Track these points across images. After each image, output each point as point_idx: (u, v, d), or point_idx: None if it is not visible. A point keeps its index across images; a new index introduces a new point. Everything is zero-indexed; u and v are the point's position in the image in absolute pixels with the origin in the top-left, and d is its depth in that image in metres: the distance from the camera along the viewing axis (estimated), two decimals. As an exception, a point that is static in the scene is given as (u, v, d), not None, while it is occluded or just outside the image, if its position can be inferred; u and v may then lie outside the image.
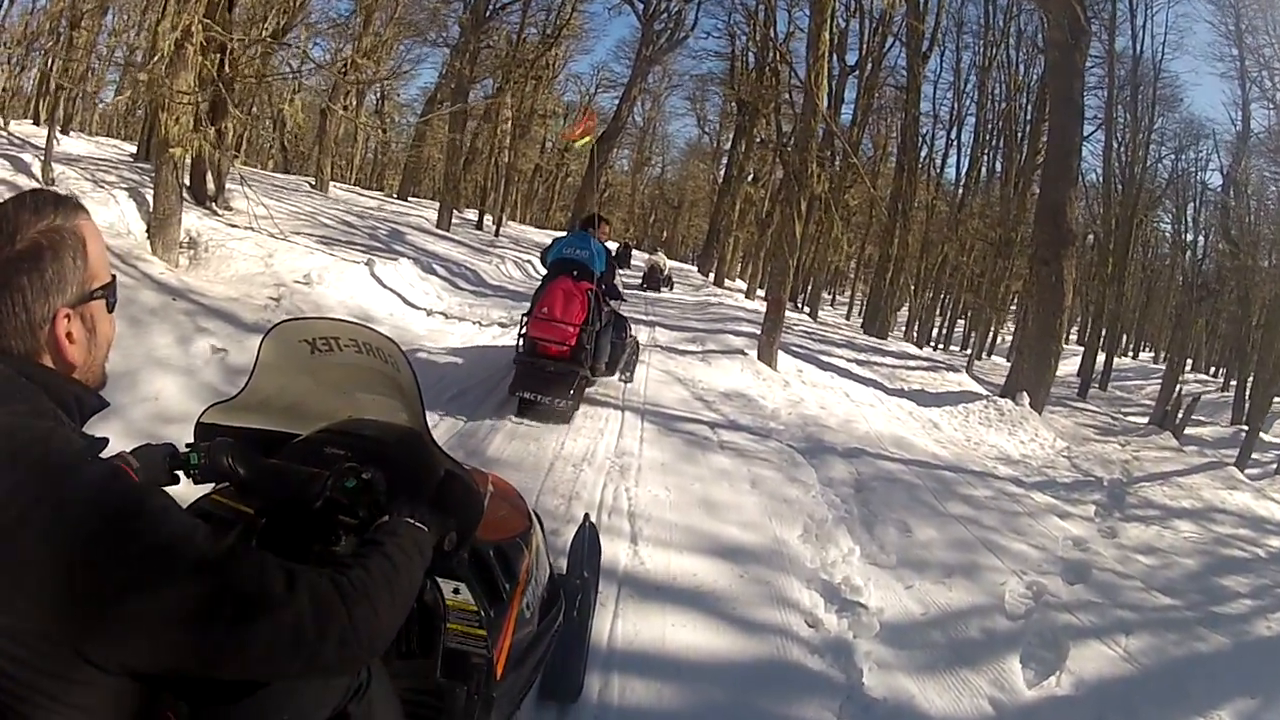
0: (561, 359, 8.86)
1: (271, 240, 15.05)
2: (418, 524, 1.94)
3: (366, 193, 45.57)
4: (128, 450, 2.27)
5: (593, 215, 10.43)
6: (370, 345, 2.38)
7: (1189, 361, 44.36)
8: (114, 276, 1.67)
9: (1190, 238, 46.13)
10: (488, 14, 33.48)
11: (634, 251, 41.29)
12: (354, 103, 57.04)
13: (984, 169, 40.02)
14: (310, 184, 36.78)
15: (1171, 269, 50.09)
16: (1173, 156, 42.65)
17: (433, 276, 18.62)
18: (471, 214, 41.10)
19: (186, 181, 15.13)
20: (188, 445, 2.34)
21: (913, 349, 28.57)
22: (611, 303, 9.89)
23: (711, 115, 60.90)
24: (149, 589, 1.36)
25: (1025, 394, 16.66)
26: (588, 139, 16.54)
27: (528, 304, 9.66)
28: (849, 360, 19.51)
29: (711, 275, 44.45)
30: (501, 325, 15.00)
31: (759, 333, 15.82)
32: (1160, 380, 39.69)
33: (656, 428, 9.66)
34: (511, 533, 2.93)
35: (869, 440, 11.17)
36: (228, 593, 1.43)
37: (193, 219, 14.02)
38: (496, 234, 36.54)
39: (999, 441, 14.00)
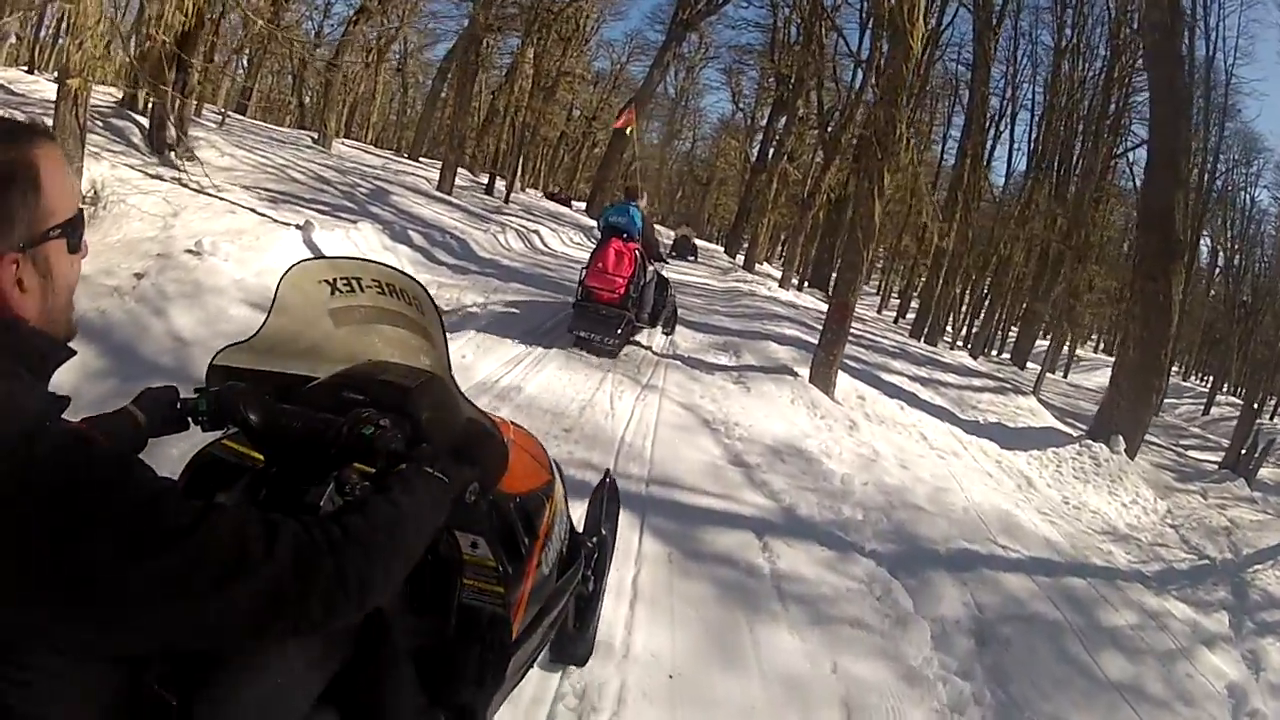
0: (612, 305, 10.21)
1: (191, 196, 11.84)
2: (437, 474, 1.80)
3: (377, 150, 42.41)
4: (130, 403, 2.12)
5: (633, 186, 11.88)
6: (394, 286, 2.26)
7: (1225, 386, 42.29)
8: (80, 211, 1.44)
9: (1227, 256, 44.12)
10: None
11: (695, 242, 38.90)
12: (374, 59, 54.22)
13: (1054, 163, 35.19)
14: (313, 138, 33.39)
15: (1207, 286, 47.12)
16: (1224, 170, 39.76)
17: (402, 246, 14.86)
18: (486, 178, 37.19)
19: (145, 125, 14.37)
20: (196, 390, 2.15)
21: (970, 361, 24.54)
22: (654, 264, 11.16)
23: (748, 91, 57.46)
24: (115, 566, 1.22)
25: (1120, 437, 13.70)
26: (632, 128, 17.77)
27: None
28: (910, 378, 15.69)
29: (740, 258, 40.67)
30: (472, 317, 11.20)
31: (806, 338, 13.98)
32: (1193, 400, 36.52)
33: (663, 555, 5.48)
34: (533, 486, 2.72)
35: (971, 526, 7.80)
36: (201, 562, 1.30)
37: (104, 169, 11.04)
38: (506, 200, 32.35)
39: (1100, 505, 11.43)
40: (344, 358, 2.44)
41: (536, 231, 25.04)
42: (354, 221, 14.01)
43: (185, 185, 12.19)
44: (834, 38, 36.59)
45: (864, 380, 12.74)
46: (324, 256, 3.06)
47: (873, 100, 29.21)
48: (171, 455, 2.62)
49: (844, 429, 9.63)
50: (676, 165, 74.48)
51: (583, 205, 45.10)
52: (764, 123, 49.73)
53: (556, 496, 2.89)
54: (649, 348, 11.76)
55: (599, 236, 11.31)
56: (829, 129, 36.04)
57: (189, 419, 2.13)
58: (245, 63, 48.48)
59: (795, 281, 28.96)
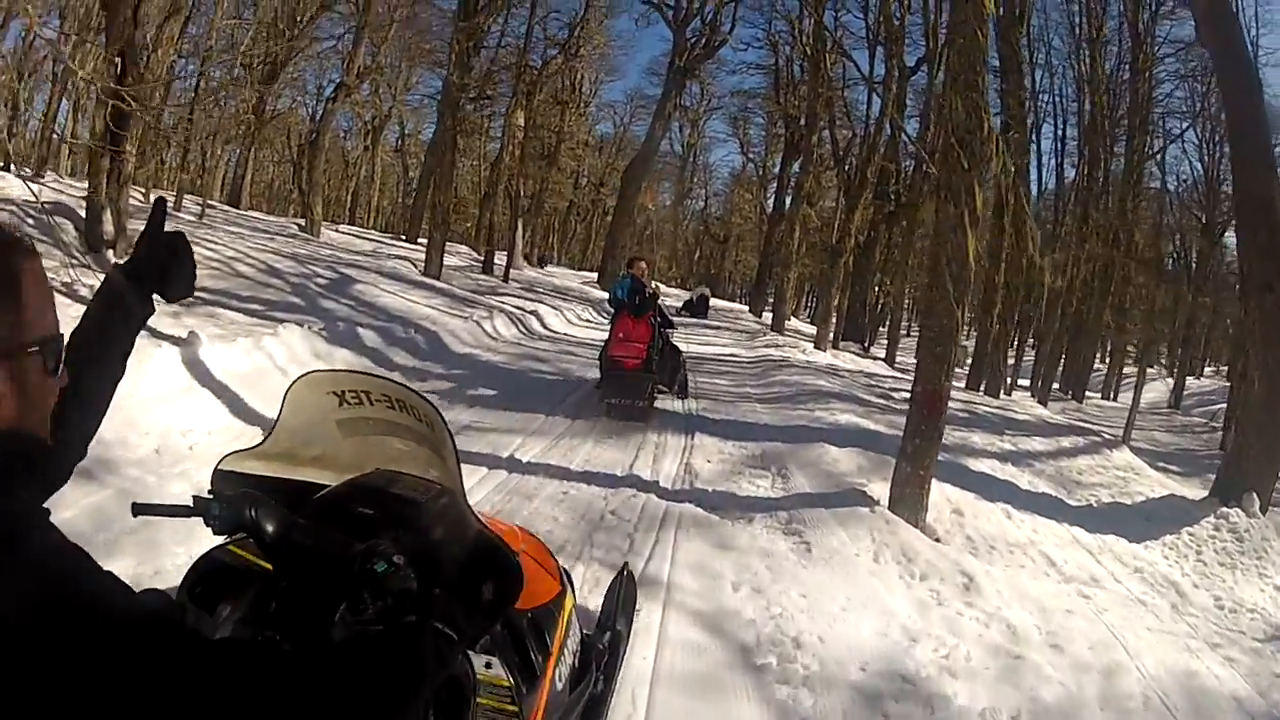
0: (636, 370, 10.66)
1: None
2: (448, 632, 1.86)
3: (376, 235, 40.72)
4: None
5: (633, 259, 12.55)
6: (403, 401, 2.26)
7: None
8: (60, 335, 1.35)
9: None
10: (479, 6, 25.76)
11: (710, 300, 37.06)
12: (370, 140, 51.84)
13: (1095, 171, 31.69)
14: (300, 226, 32.00)
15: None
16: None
17: (343, 350, 11.84)
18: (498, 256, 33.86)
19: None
20: (209, 492, 2.12)
21: (1043, 411, 20.77)
22: (666, 331, 11.73)
23: (756, 139, 55.52)
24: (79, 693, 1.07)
25: (1254, 494, 10.53)
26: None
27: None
28: (997, 457, 11.95)
29: (767, 315, 37.76)
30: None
31: (867, 424, 11.70)
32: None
33: None
34: (545, 598, 2.67)
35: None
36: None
37: None
38: (506, 278, 29.06)
39: (1256, 598, 8.55)
40: (353, 466, 2.38)
41: (534, 312, 21.82)
42: (274, 328, 11.21)
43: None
44: (841, 66, 34.66)
45: (949, 477, 9.26)
46: (331, 369, 2.79)
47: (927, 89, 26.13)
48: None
49: (957, 596, 6.17)
50: (691, 225, 71.23)
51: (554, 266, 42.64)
52: (777, 170, 47.66)
53: (568, 607, 2.81)
54: (654, 483, 8.22)
55: (611, 310, 11.90)
56: (847, 167, 33.68)
57: (203, 520, 2.00)
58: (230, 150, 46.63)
59: (830, 338, 25.28)
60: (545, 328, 20.87)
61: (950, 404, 16.88)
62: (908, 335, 61.08)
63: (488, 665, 2.22)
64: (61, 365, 1.35)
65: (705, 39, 38.72)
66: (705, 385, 14.66)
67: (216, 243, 18.77)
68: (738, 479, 8.49)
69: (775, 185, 47.09)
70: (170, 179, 41.15)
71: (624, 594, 3.98)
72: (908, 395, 15.54)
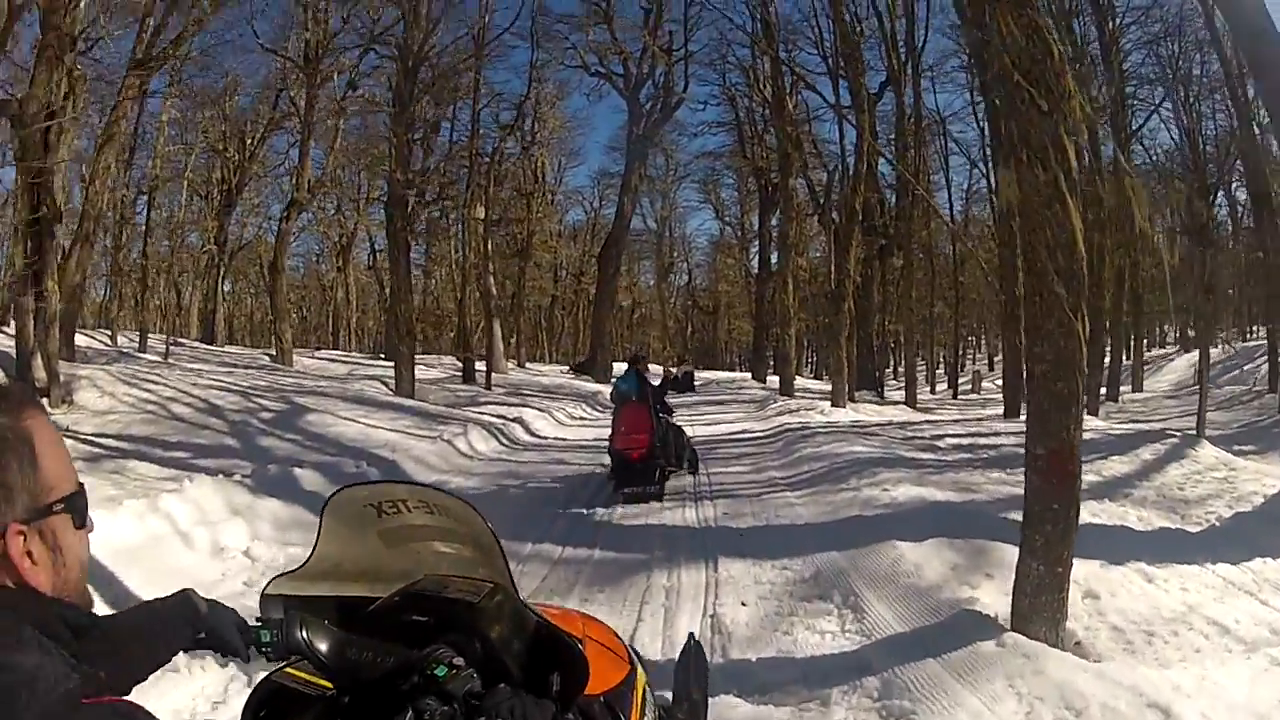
0: (643, 459, 10.78)
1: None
2: (528, 697, 1.90)
3: (356, 357, 38.44)
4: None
5: (636, 356, 13.50)
6: (441, 506, 2.21)
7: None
8: (81, 486, 1.40)
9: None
10: (413, 95, 23.72)
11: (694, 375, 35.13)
12: (340, 260, 50.04)
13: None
14: (270, 356, 30.51)
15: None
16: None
17: (269, 501, 9.32)
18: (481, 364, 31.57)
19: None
20: (258, 619, 2.01)
21: (1096, 420, 18.06)
22: (664, 416, 12.01)
23: (729, 201, 54.57)
24: None
25: None
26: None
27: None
28: (1092, 497, 9.12)
29: (772, 380, 35.53)
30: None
31: (935, 494, 9.59)
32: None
33: None
34: (615, 681, 2.52)
35: None
36: None
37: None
38: (488, 385, 26.55)
39: None
40: (400, 575, 2.27)
41: (518, 419, 19.27)
42: (190, 476, 9.64)
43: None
44: (805, 103, 34.55)
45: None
46: (365, 482, 2.91)
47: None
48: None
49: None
50: (678, 300, 69.02)
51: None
52: (756, 228, 46.44)
53: (640, 685, 2.66)
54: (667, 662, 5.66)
55: (614, 405, 12.49)
56: (828, 209, 33.67)
57: (255, 649, 1.94)
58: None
59: (846, 392, 22.75)
60: (532, 434, 18.39)
61: (985, 437, 14.40)
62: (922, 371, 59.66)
63: None
64: (89, 520, 1.39)
65: (661, 102, 37.02)
66: (721, 477, 12.27)
67: (158, 383, 17.37)
68: (790, 626, 5.88)
69: (757, 244, 45.65)
70: (151, 321, 40.30)
71: (695, 663, 3.58)
72: (956, 443, 12.96)
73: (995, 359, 61.88)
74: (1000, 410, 26.92)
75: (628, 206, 36.75)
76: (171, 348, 26.73)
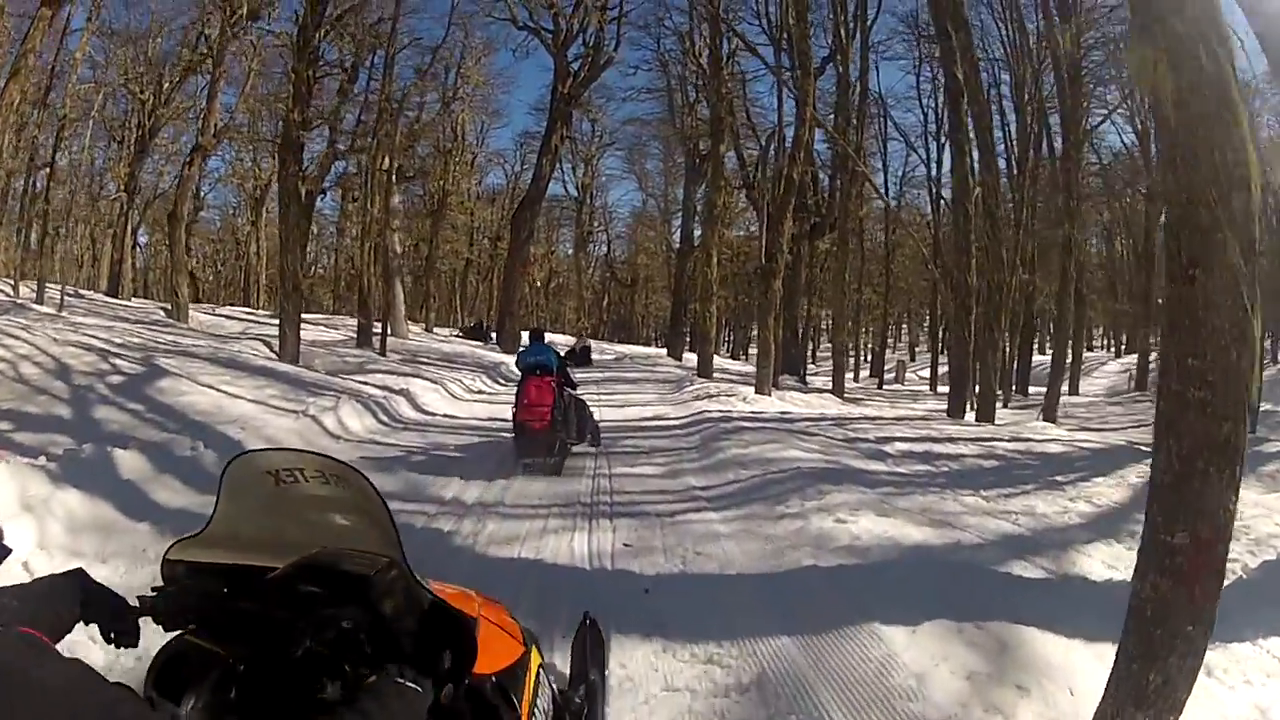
0: (543, 430, 10.71)
1: None
2: (409, 684, 1.82)
3: (262, 314, 35.98)
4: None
5: (539, 329, 14.45)
6: (336, 475, 2.20)
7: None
8: None
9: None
10: (318, 27, 20.96)
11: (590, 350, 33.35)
12: (254, 213, 47.52)
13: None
14: (166, 311, 28.68)
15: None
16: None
17: (69, 490, 7.19)
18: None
19: None
20: (154, 588, 2.13)
21: (1059, 431, 16.29)
22: (568, 390, 11.76)
23: (654, 172, 53.43)
24: None
25: None
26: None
27: None
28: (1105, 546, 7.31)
29: (688, 358, 33.96)
30: None
31: (907, 530, 7.36)
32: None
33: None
34: (508, 660, 2.50)
35: None
36: None
37: None
38: (382, 350, 23.91)
39: None
40: (297, 546, 2.23)
41: (404, 391, 16.75)
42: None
43: None
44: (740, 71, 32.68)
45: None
46: (263, 448, 2.95)
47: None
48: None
49: None
50: (596, 271, 66.63)
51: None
52: (680, 201, 44.74)
53: (533, 666, 2.66)
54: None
55: (519, 376, 11.99)
56: (758, 180, 32.08)
57: (151, 618, 2.04)
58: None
59: (772, 379, 20.54)
60: (418, 410, 15.93)
61: (951, 439, 12.37)
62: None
63: None
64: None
65: (590, 61, 34.46)
66: (625, 482, 9.97)
67: (20, 338, 15.66)
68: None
69: (680, 217, 44.34)
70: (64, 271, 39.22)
71: (590, 644, 3.59)
72: (907, 449, 11.39)
73: (917, 349, 60.94)
74: (935, 405, 25.23)
75: (546, 168, 34.12)
76: (69, 299, 25.47)
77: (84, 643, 3.11)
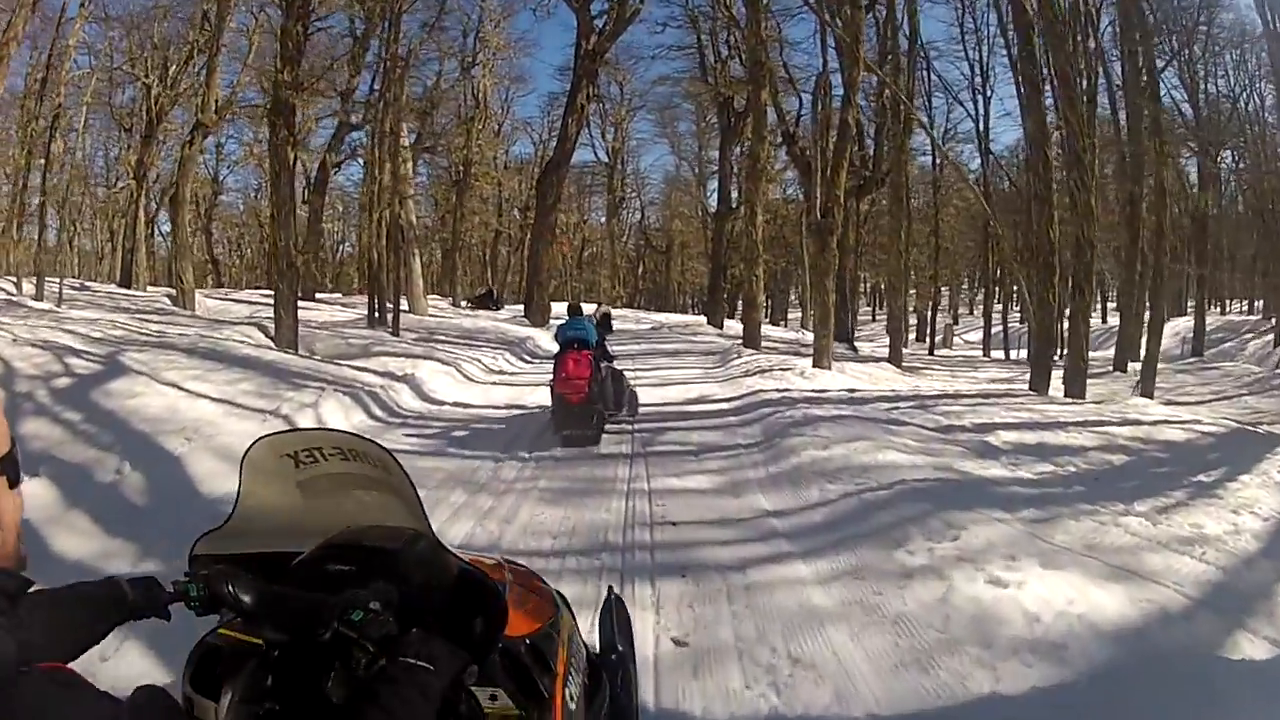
0: (581, 403, 10.57)
1: None
2: (422, 664, 1.74)
3: (270, 299, 32.53)
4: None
5: (577, 304, 13.35)
6: (355, 450, 2.15)
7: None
8: (13, 444, 1.40)
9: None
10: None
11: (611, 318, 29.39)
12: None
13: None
14: (170, 298, 27.23)
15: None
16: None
17: None
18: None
19: None
20: (185, 575, 2.01)
21: (1164, 409, 13.52)
22: (605, 363, 11.56)
23: (686, 134, 51.27)
24: None
25: None
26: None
27: None
28: None
29: (730, 326, 32.36)
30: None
31: (1100, 598, 4.79)
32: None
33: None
34: (540, 622, 2.45)
35: None
36: None
37: None
38: (396, 330, 21.42)
39: None
40: (323, 528, 2.23)
41: (407, 377, 14.35)
42: None
43: None
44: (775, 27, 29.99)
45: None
46: (280, 431, 2.44)
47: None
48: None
49: None
50: (630, 239, 64.57)
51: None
52: (716, 160, 42.77)
53: (566, 627, 2.58)
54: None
55: (559, 349, 11.80)
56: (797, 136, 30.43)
57: (183, 604, 1.96)
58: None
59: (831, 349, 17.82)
60: (423, 398, 13.53)
61: (1060, 424, 10.00)
62: (873, 321, 55.15)
63: (493, 698, 2.07)
64: (21, 476, 1.37)
65: (614, 14, 31.53)
66: (670, 502, 7.36)
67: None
68: None
69: (717, 178, 42.17)
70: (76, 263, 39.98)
71: (617, 618, 3.37)
72: (1017, 441, 9.71)
73: (960, 312, 57.90)
74: (998, 374, 22.61)
75: (572, 129, 31.28)
76: (74, 292, 24.67)
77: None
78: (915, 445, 8.86)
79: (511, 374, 17.78)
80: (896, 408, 12.01)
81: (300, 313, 21.27)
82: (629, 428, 11.35)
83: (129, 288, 31.15)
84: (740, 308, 41.76)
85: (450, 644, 1.82)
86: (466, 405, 13.40)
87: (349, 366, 14.82)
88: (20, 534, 1.42)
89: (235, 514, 2.16)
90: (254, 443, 2.14)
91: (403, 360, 16.09)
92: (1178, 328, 35.44)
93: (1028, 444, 9.46)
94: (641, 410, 12.04)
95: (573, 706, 2.36)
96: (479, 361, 18.11)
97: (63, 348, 12.79)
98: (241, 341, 16.43)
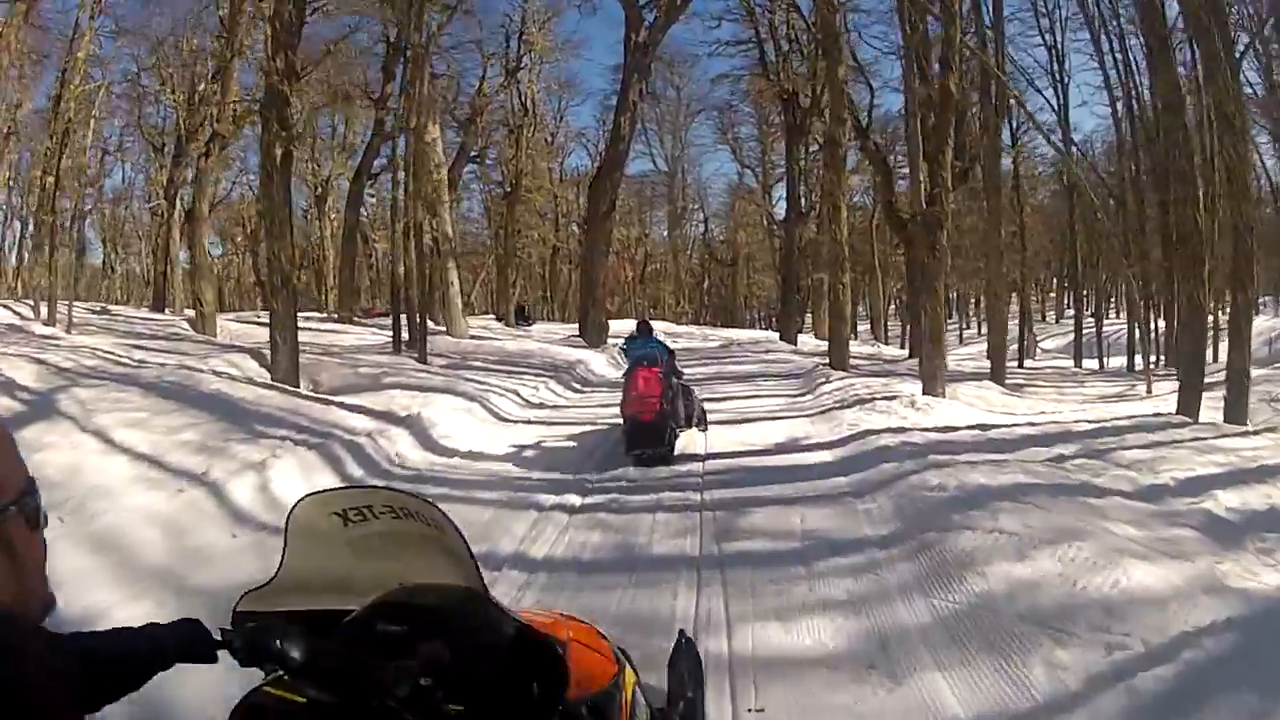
0: (653, 421, 10.05)
1: None
2: None
3: (313, 317, 30.98)
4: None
5: (646, 322, 12.67)
6: (407, 509, 2.03)
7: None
8: (31, 482, 1.30)
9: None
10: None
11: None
12: (317, 210, 45.36)
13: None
14: (190, 322, 24.71)
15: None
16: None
17: None
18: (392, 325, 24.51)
19: None
20: (229, 628, 1.93)
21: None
22: (675, 379, 11.11)
23: (748, 138, 47.49)
24: None
25: None
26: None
27: None
28: None
29: (805, 341, 30.24)
30: None
31: None
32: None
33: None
34: (602, 681, 2.35)
35: None
36: None
37: None
38: (422, 355, 18.16)
39: None
40: (373, 587, 2.14)
41: (411, 418, 11.18)
42: None
43: None
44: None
45: None
46: (327, 489, 2.26)
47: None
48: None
49: None
50: (694, 252, 61.52)
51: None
52: (783, 164, 39.40)
53: (629, 684, 2.49)
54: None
55: (628, 367, 11.46)
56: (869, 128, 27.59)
57: (229, 653, 1.87)
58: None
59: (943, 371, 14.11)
60: (430, 449, 10.38)
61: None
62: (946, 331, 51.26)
63: None
64: (42, 514, 1.29)
65: (665, 2, 28.06)
66: (776, 670, 4.22)
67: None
68: None
69: (784, 182, 38.67)
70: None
71: (688, 662, 3.34)
72: (1238, 501, 6.84)
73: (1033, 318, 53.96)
74: (1106, 389, 19.47)
75: (625, 128, 27.81)
76: (92, 316, 23.36)
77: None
78: (1136, 533, 5.46)
79: (554, 408, 14.58)
80: (1060, 455, 8.56)
81: (326, 336, 18.43)
82: (695, 497, 7.92)
83: (163, 311, 29.17)
84: (813, 322, 38.77)
85: (523, 713, 1.79)
86: (483, 457, 10.24)
87: (341, 405, 11.64)
88: (45, 578, 1.29)
89: (280, 573, 2.05)
90: (299, 501, 2.05)
91: (414, 395, 12.92)
92: (1266, 326, 31.05)
93: (1256, 509, 6.50)
94: (714, 463, 9.81)
95: None
96: (515, 394, 14.81)
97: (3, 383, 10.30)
98: (221, 374, 13.40)
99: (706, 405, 12.76)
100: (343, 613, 2.08)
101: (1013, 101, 23.10)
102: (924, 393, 13.15)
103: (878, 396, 12.71)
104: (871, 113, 30.73)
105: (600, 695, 2.24)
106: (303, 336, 21.47)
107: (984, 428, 10.39)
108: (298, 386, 13.54)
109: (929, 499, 6.71)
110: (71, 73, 24.64)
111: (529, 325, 34.08)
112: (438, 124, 25.86)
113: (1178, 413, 12.51)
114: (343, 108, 35.09)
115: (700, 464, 9.65)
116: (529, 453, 10.47)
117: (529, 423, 12.87)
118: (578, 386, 17.38)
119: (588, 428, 11.81)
